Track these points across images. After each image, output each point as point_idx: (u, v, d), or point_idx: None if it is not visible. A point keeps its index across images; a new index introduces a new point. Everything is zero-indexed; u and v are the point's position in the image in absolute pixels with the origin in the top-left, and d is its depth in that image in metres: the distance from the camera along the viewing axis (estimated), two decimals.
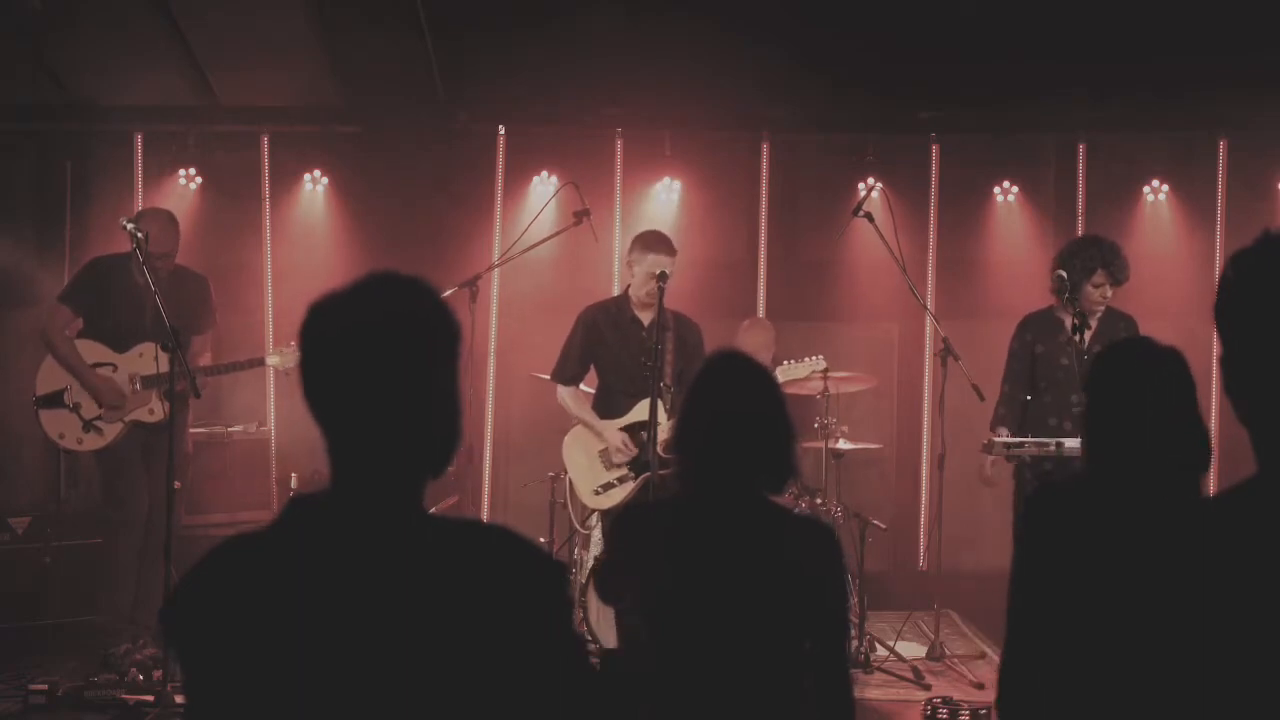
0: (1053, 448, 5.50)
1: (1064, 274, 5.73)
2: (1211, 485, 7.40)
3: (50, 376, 6.03)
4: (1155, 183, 7.88)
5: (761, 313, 7.73)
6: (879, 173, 7.52)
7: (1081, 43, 7.00)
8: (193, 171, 7.80)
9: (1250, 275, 1.76)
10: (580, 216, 6.19)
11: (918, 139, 7.95)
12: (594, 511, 5.80)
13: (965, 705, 5.16)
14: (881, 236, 6.18)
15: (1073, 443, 5.30)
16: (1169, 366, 2.61)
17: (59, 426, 6.03)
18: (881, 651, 6.19)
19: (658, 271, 5.52)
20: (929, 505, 7.70)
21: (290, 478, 7.06)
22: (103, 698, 5.17)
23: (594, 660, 3.99)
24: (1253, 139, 7.72)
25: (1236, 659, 1.68)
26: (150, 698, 5.07)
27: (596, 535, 5.79)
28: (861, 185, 7.55)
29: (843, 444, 6.34)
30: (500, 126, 7.89)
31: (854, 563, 6.01)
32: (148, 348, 5.94)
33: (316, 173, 7.90)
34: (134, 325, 6.01)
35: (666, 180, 7.82)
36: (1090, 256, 5.75)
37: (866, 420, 7.56)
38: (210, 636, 1.67)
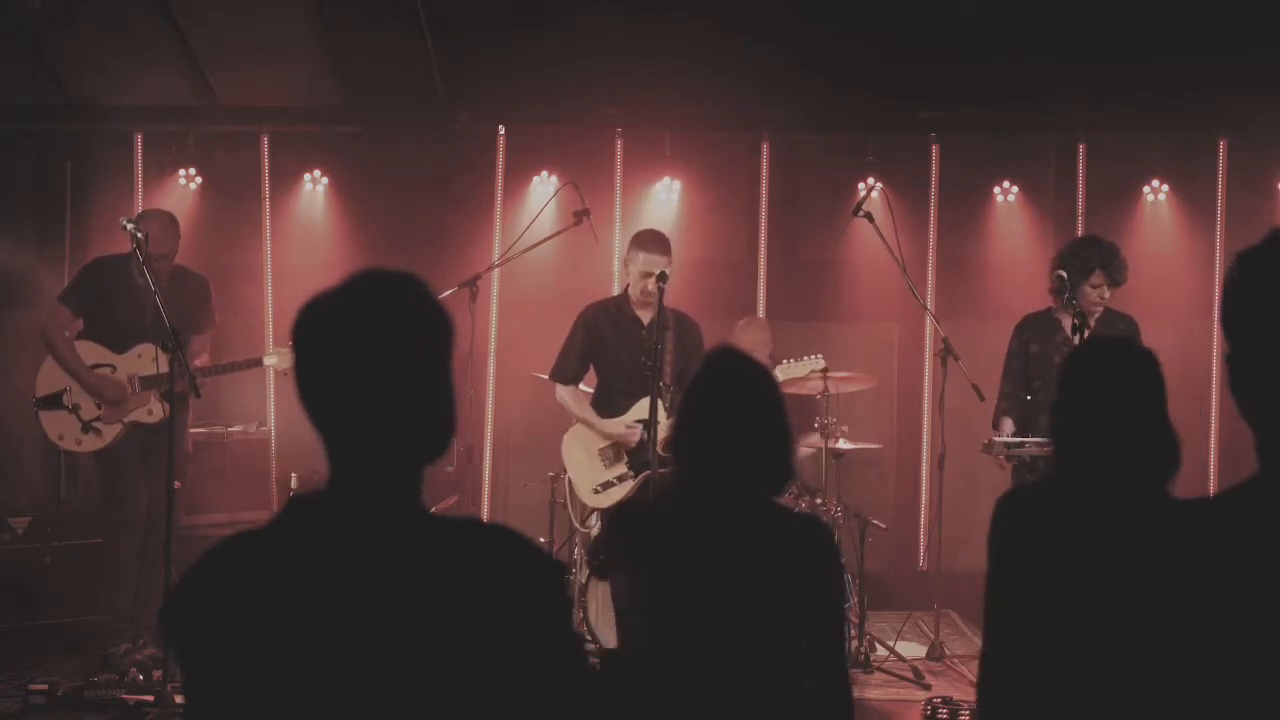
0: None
1: (1063, 274, 5.73)
2: (1211, 485, 7.42)
3: (50, 377, 6.03)
4: (1155, 183, 7.88)
5: (761, 313, 7.73)
6: (879, 173, 7.52)
7: (1081, 43, 7.00)
8: (193, 171, 7.80)
9: (1255, 274, 1.77)
10: (580, 216, 6.20)
11: (918, 139, 7.95)
12: (594, 511, 5.80)
13: (965, 705, 5.16)
14: (881, 236, 6.19)
15: None
16: (1138, 368, 2.62)
17: (58, 427, 6.03)
18: (881, 651, 6.19)
19: (651, 271, 5.55)
20: (929, 505, 7.69)
21: (290, 478, 7.05)
22: (103, 698, 5.17)
23: (594, 660, 3.99)
24: (1253, 139, 7.71)
25: (1237, 658, 1.68)
26: (150, 698, 5.07)
27: (596, 535, 5.79)
28: (861, 185, 7.55)
29: (843, 444, 6.34)
30: (500, 126, 7.89)
31: (854, 563, 6.01)
32: (147, 348, 5.94)
33: (316, 173, 7.90)
34: (134, 326, 6.01)
35: (666, 180, 7.82)
36: (1089, 257, 5.75)
37: (866, 420, 7.56)
38: (209, 636, 1.67)
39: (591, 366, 5.93)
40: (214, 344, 6.52)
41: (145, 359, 5.95)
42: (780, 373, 5.90)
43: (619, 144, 7.87)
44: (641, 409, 5.57)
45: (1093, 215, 7.77)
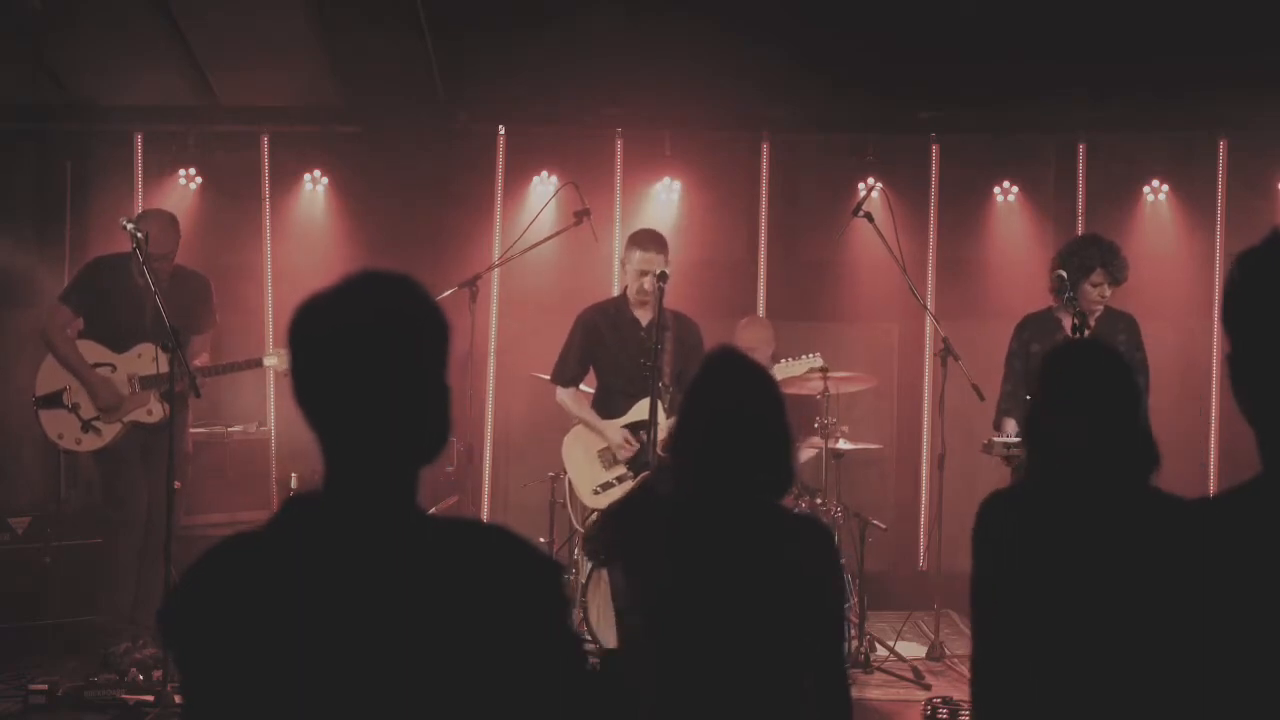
0: None
1: (1063, 274, 5.73)
2: (1211, 485, 7.42)
3: (50, 376, 6.03)
4: (1155, 183, 7.88)
5: (761, 313, 7.73)
6: (879, 173, 7.52)
7: (1081, 43, 7.00)
8: (193, 171, 7.80)
9: (1255, 274, 1.77)
10: (580, 216, 6.20)
11: (918, 139, 7.95)
12: (594, 511, 5.80)
13: (965, 705, 5.15)
14: (881, 236, 6.19)
15: None
16: (1102, 368, 2.68)
17: (58, 426, 6.03)
18: (881, 651, 6.19)
19: (647, 269, 5.57)
20: (929, 505, 7.69)
21: (290, 478, 7.06)
22: (103, 698, 5.17)
23: (594, 660, 3.98)
24: (1253, 139, 7.71)
25: (1238, 659, 1.68)
26: (150, 698, 5.08)
27: (592, 522, 5.79)
28: (861, 185, 7.55)
29: (843, 444, 6.34)
30: (500, 126, 7.89)
31: (854, 563, 6.01)
32: (146, 348, 5.94)
33: (316, 173, 7.90)
34: (134, 325, 6.01)
35: (666, 180, 7.81)
36: (1089, 255, 5.75)
37: (866, 420, 7.56)
38: (207, 637, 1.67)
39: (591, 368, 5.93)
40: (214, 344, 6.52)
41: (145, 359, 5.95)
42: (778, 371, 5.90)
43: (619, 144, 7.87)
44: (641, 409, 5.58)
45: (1093, 215, 7.77)
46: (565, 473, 5.90)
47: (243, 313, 7.45)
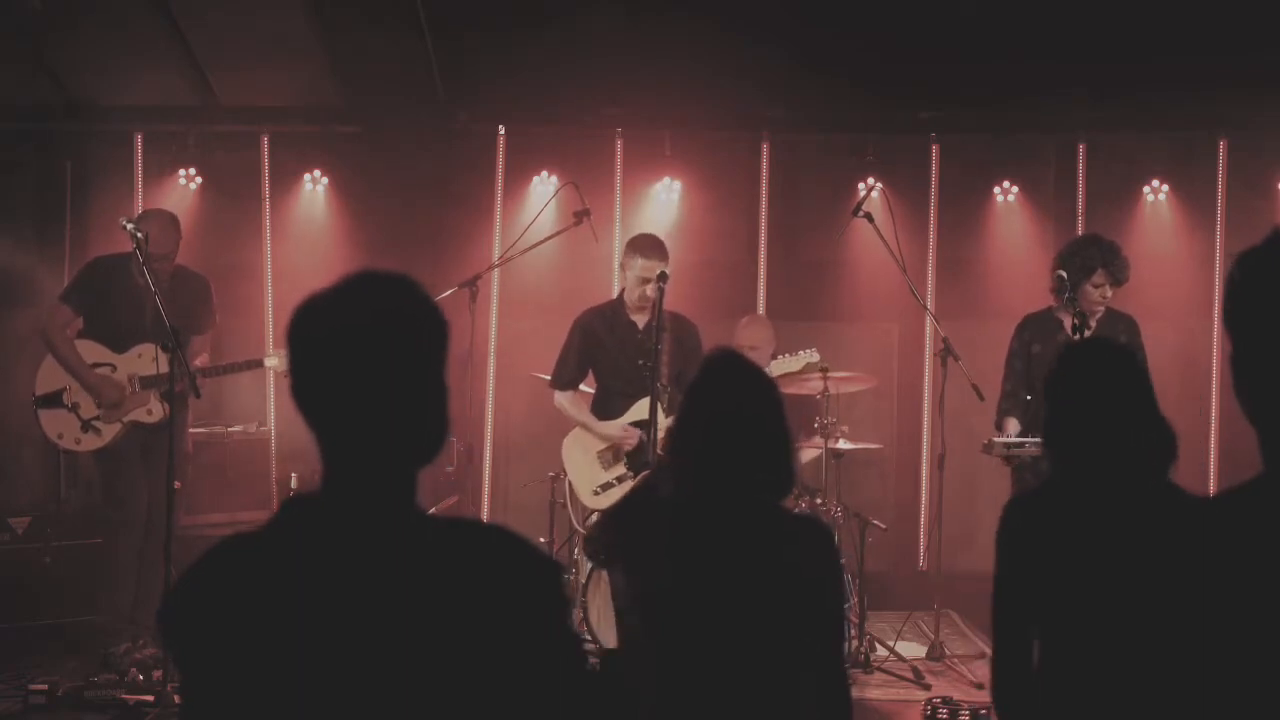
0: None
1: (1064, 274, 5.73)
2: (1211, 485, 7.42)
3: (49, 376, 6.03)
4: (1155, 183, 7.87)
5: (761, 313, 7.72)
6: (879, 173, 7.52)
7: (1081, 43, 7.00)
8: (193, 171, 7.80)
9: (1256, 274, 1.77)
10: (580, 216, 6.20)
11: (918, 139, 7.95)
12: (594, 511, 5.80)
13: (965, 705, 5.16)
14: (881, 236, 6.18)
15: None
16: (1116, 365, 2.71)
17: (58, 426, 6.03)
18: (881, 651, 6.19)
19: (649, 276, 5.57)
20: (929, 505, 7.69)
21: (290, 478, 7.06)
22: (103, 698, 5.17)
23: (594, 660, 3.98)
24: (1253, 139, 7.71)
25: (1239, 658, 1.68)
26: (150, 698, 5.08)
27: (594, 522, 5.79)
28: (861, 185, 7.55)
29: (843, 444, 6.33)
30: (500, 126, 7.89)
31: (854, 563, 6.01)
32: (147, 348, 5.94)
33: (316, 173, 7.90)
34: (134, 325, 6.01)
35: (666, 180, 7.81)
36: (1090, 256, 5.74)
37: (866, 420, 7.56)
38: (207, 637, 1.67)
39: (591, 370, 5.93)
40: (214, 344, 6.52)
41: (145, 359, 5.95)
42: (776, 368, 5.90)
43: (619, 144, 7.87)
44: (639, 410, 5.58)
45: (1093, 215, 7.77)
46: (565, 473, 5.90)
47: (243, 313, 7.45)
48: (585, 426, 5.79)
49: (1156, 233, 7.84)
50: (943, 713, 5.14)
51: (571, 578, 5.59)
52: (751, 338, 6.74)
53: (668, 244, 5.81)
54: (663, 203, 7.82)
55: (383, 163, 7.76)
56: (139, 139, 7.84)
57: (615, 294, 5.99)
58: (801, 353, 6.02)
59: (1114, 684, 2.49)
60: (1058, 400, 2.76)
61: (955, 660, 6.20)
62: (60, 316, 6.07)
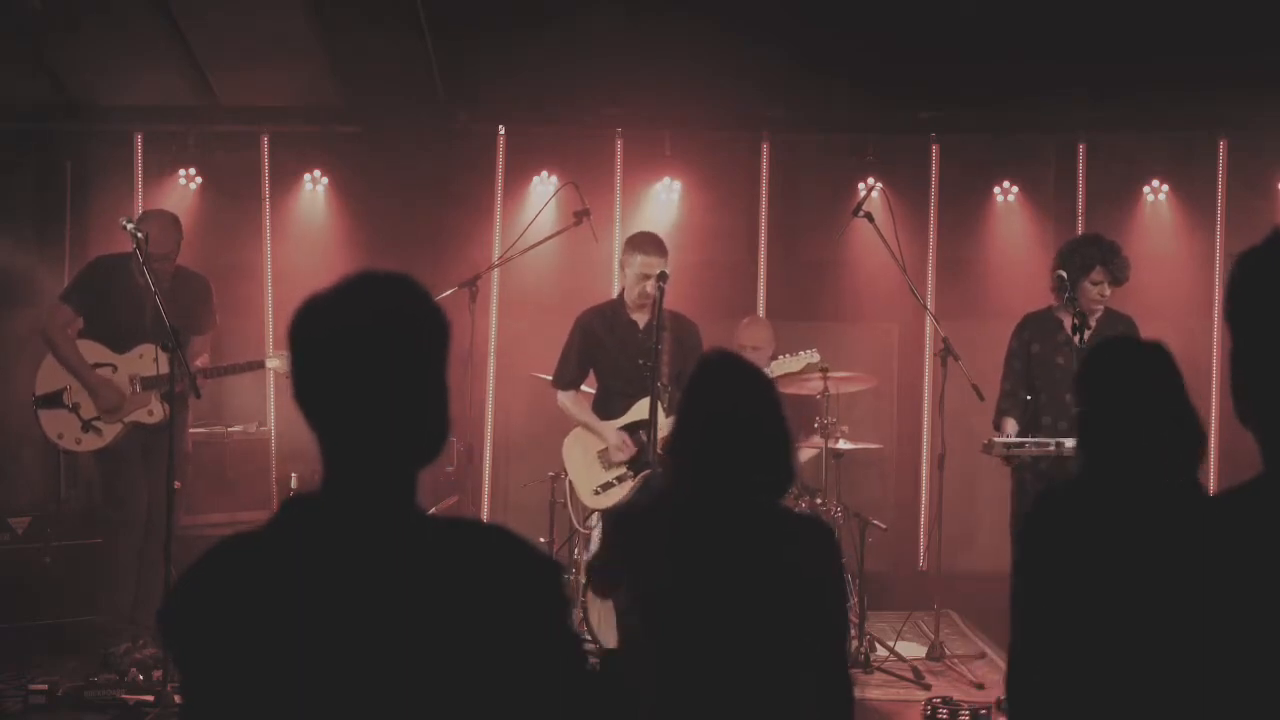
0: (1052, 448, 5.50)
1: (1064, 274, 5.73)
2: (1211, 485, 7.42)
3: (50, 376, 6.03)
4: (1155, 183, 7.88)
5: (761, 313, 7.73)
6: (879, 173, 7.52)
7: (1081, 43, 7.00)
8: (193, 171, 7.80)
9: (1256, 274, 1.77)
10: (580, 216, 6.20)
11: (918, 139, 7.95)
12: (594, 511, 5.80)
13: (965, 705, 5.16)
14: (881, 236, 6.19)
15: (1072, 443, 5.30)
16: (1155, 361, 2.67)
17: (58, 426, 6.03)
18: (881, 651, 6.19)
19: (649, 272, 5.57)
20: (929, 505, 7.69)
21: (290, 478, 7.06)
22: (103, 698, 5.17)
23: (594, 660, 3.98)
24: (1253, 139, 7.71)
25: (1240, 659, 1.68)
26: (150, 698, 5.08)
27: (596, 535, 5.79)
28: (861, 185, 7.55)
29: (843, 444, 6.34)
30: (500, 126, 7.89)
31: (854, 563, 6.01)
32: (147, 349, 5.93)
33: (316, 173, 7.90)
34: (134, 326, 6.00)
35: (666, 180, 7.81)
36: (1089, 254, 5.75)
37: (866, 420, 7.56)
38: (207, 637, 1.67)
39: (592, 370, 5.93)
40: (214, 344, 6.52)
41: (146, 359, 5.95)
42: (776, 368, 5.90)
43: (619, 144, 7.87)
44: (640, 410, 5.58)
45: (1093, 215, 7.77)
46: (565, 473, 5.90)
47: (243, 313, 7.45)
48: (586, 426, 5.79)
49: (1156, 233, 7.84)
50: (943, 713, 5.14)
51: (571, 578, 5.59)
52: (752, 338, 6.74)
53: (668, 244, 5.81)
54: (663, 203, 7.82)
55: (383, 163, 7.76)
56: (139, 139, 7.84)
57: (615, 294, 5.99)
58: (802, 353, 6.02)
59: (1125, 682, 2.48)
60: (1091, 401, 2.71)
61: (955, 660, 6.20)
62: (61, 316, 6.07)
